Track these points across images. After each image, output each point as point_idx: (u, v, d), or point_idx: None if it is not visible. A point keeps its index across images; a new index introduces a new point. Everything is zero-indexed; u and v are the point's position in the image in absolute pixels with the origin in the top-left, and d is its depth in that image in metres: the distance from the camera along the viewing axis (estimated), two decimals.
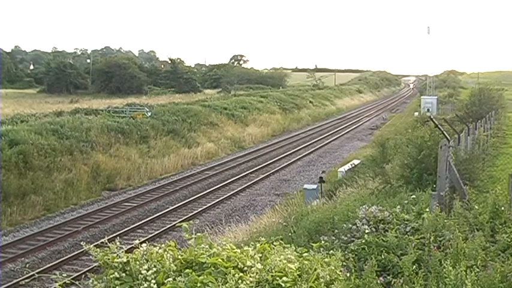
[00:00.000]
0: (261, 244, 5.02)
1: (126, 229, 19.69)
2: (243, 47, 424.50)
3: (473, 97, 39.45)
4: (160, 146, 32.31)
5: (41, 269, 15.43)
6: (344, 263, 5.27)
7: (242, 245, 5.51)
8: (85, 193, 24.62)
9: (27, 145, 24.03)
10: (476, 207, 7.99)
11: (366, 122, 60.38)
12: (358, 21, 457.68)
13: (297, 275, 4.60)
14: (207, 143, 36.49)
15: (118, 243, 4.66)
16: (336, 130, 51.34)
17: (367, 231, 6.83)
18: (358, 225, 7.26)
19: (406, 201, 9.26)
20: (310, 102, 67.19)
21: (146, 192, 25.74)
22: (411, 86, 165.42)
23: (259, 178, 28.78)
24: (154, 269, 4.38)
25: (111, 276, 4.37)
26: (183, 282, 4.26)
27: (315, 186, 20.89)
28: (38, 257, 17.22)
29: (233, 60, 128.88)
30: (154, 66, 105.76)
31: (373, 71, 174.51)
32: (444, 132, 11.57)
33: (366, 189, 15.97)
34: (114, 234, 17.14)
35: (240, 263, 4.55)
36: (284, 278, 4.46)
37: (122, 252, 4.58)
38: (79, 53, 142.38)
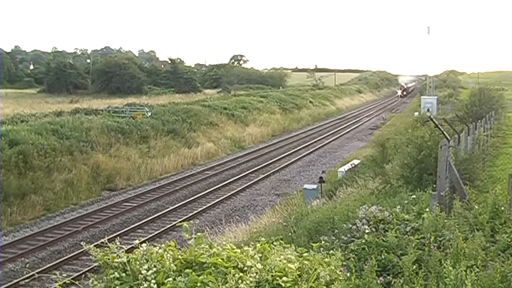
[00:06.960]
0: (261, 244, 5.01)
1: (126, 229, 19.70)
2: (243, 47, 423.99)
3: (473, 97, 39.46)
4: (160, 146, 32.31)
5: (41, 269, 15.45)
6: (344, 263, 5.26)
7: (242, 245, 5.50)
8: (85, 193, 24.62)
9: (27, 145, 24.04)
10: (476, 207, 7.99)
11: (366, 122, 60.38)
12: (358, 21, 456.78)
13: (297, 275, 4.60)
14: (207, 143, 36.48)
15: (118, 243, 4.66)
16: (336, 130, 51.35)
17: (367, 231, 6.83)
18: (358, 225, 7.26)
19: (406, 201, 9.28)
20: (310, 102, 67.19)
21: (146, 192, 25.74)
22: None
23: (259, 178, 28.77)
24: (154, 269, 4.38)
25: (111, 276, 4.37)
26: (183, 282, 4.26)
27: (315, 186, 20.88)
28: (38, 257, 17.22)
29: (233, 60, 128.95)
30: (154, 66, 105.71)
31: (373, 71, 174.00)
32: (444, 132, 11.59)
33: (366, 189, 15.96)
34: (114, 234, 17.14)
35: (240, 263, 4.54)
36: (284, 278, 4.46)
37: (122, 252, 4.58)
38: (79, 53, 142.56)
